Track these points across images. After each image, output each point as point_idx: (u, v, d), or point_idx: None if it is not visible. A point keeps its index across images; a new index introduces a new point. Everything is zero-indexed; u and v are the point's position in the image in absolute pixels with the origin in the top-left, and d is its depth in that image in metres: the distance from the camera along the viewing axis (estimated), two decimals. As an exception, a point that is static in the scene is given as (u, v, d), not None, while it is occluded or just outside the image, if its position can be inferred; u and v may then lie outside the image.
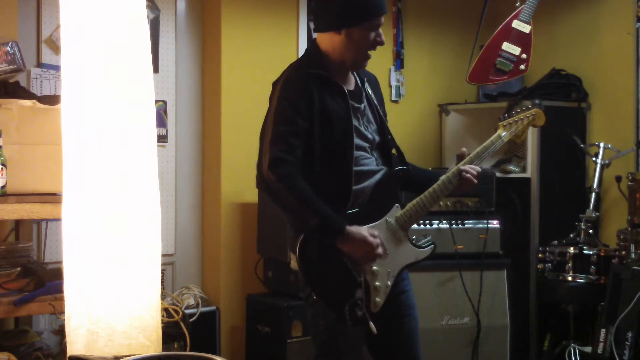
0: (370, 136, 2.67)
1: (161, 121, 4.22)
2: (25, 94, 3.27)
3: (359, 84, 2.73)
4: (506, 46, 4.24)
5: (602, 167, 4.29)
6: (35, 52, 3.81)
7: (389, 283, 2.60)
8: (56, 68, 3.74)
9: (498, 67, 4.25)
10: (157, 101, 3.53)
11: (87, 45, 1.85)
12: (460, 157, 2.74)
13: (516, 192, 4.51)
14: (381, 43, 2.65)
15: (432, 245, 2.70)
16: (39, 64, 3.80)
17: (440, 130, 4.97)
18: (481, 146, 2.75)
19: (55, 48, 3.80)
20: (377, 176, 2.66)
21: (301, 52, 4.54)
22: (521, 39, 4.24)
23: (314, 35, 3.69)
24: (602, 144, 4.32)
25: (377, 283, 2.57)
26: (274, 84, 2.68)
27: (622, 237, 3.86)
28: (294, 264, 2.66)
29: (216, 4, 4.29)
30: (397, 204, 2.65)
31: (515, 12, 4.27)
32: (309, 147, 2.53)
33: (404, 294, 2.71)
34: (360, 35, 2.59)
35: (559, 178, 4.58)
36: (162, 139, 4.20)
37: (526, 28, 4.23)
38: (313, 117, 2.53)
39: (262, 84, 4.40)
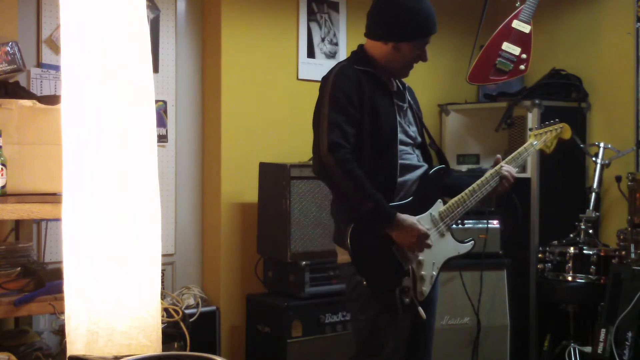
0: (412, 134, 2.80)
1: (161, 121, 4.22)
2: (25, 94, 3.27)
3: (400, 88, 2.86)
4: (506, 46, 4.23)
5: (602, 167, 4.29)
6: (35, 52, 3.81)
7: (434, 273, 2.72)
8: (56, 68, 3.74)
9: (498, 67, 4.25)
10: (157, 101, 3.53)
11: (87, 45, 1.85)
12: (496, 162, 2.90)
13: (516, 192, 4.50)
14: (424, 59, 2.81)
15: (473, 242, 2.87)
16: (39, 64, 3.80)
17: (440, 130, 4.97)
18: (515, 152, 2.95)
19: (55, 48, 3.80)
20: (419, 171, 2.78)
21: (301, 52, 4.55)
22: (521, 39, 4.24)
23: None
24: (602, 144, 4.32)
25: (423, 272, 2.67)
26: (324, 78, 2.77)
27: (622, 237, 3.86)
28: (341, 258, 2.75)
29: (216, 4, 4.29)
30: (439, 200, 2.78)
31: (515, 12, 4.27)
32: (358, 138, 2.63)
33: (432, 288, 2.78)
34: (407, 50, 2.75)
35: (559, 178, 4.58)
36: (162, 139, 4.20)
37: (526, 28, 4.23)
38: (363, 108, 2.64)
39: (262, 84, 4.43)
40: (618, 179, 4.22)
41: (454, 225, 4.18)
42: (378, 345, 2.69)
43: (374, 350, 2.70)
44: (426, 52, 2.79)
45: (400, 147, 2.72)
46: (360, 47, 2.84)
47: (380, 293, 2.63)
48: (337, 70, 2.72)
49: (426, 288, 2.67)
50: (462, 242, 2.83)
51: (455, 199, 2.78)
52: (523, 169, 4.55)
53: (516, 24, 4.25)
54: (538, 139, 3.02)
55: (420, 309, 2.62)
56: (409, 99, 2.87)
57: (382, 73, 2.77)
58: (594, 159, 4.31)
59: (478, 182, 2.80)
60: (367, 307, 2.67)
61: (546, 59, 4.85)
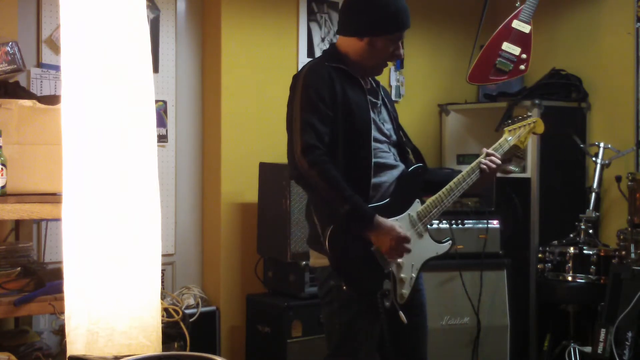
0: (387, 132, 2.75)
1: (161, 121, 4.22)
2: (25, 94, 3.27)
3: (374, 85, 2.82)
4: (506, 46, 4.24)
5: (602, 167, 4.29)
6: (35, 52, 3.80)
7: (414, 275, 2.66)
8: (56, 68, 3.74)
9: (498, 67, 4.25)
10: (157, 101, 3.53)
11: (87, 45, 1.85)
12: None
13: (516, 192, 4.51)
14: (399, 56, 2.74)
15: (450, 241, 2.80)
16: (39, 64, 3.80)
17: (440, 130, 4.97)
18: (490, 149, 2.86)
19: (55, 48, 3.80)
20: (396, 172, 2.72)
21: (301, 52, 4.55)
22: (521, 39, 4.24)
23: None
24: (602, 144, 4.32)
25: (402, 275, 2.62)
26: (295, 77, 2.73)
27: (622, 237, 3.86)
28: (315, 262, 2.70)
29: (216, 4, 4.29)
30: (417, 200, 2.72)
31: (515, 12, 4.27)
32: (332, 136, 2.58)
33: (417, 292, 2.75)
34: (381, 46, 2.69)
35: (559, 178, 4.58)
36: (162, 139, 4.20)
37: (526, 28, 4.23)
38: (336, 105, 2.59)
39: (262, 84, 4.43)
40: (618, 179, 4.22)
41: (454, 226, 4.23)
42: (353, 348, 2.64)
43: (349, 353, 2.65)
44: (401, 48, 2.73)
45: (375, 145, 2.66)
46: (333, 45, 2.80)
47: (360, 297, 2.59)
48: (308, 68, 2.67)
49: (406, 290, 2.62)
50: (439, 242, 2.77)
51: (433, 198, 2.72)
52: (523, 169, 4.55)
53: (516, 24, 4.25)
54: (512, 135, 2.92)
55: (401, 313, 2.57)
56: (383, 96, 2.82)
57: (355, 70, 2.71)
58: (594, 159, 4.30)
59: (455, 180, 2.74)
60: (343, 311, 2.62)
61: (546, 59, 4.85)
